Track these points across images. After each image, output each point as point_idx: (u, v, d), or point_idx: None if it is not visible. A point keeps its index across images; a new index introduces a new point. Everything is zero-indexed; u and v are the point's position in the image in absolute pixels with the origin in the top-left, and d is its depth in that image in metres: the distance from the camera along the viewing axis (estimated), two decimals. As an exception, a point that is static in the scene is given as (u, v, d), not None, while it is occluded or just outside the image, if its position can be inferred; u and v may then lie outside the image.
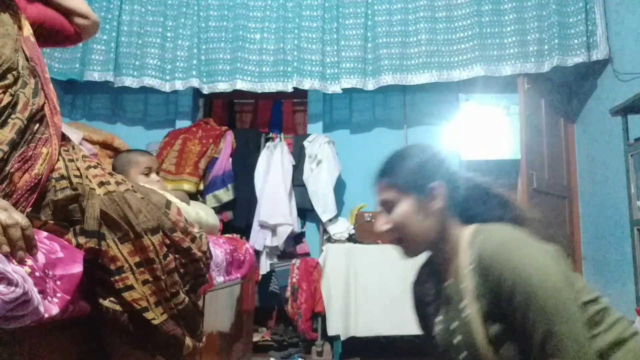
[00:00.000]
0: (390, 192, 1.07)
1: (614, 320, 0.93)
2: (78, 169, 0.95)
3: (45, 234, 0.86)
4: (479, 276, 0.92)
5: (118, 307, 0.90)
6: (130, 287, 0.90)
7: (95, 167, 0.97)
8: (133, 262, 0.91)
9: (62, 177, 0.92)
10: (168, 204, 1.07)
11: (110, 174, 0.99)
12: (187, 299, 1.00)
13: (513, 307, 0.86)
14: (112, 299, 0.90)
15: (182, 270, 1.00)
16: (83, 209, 0.90)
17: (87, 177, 0.93)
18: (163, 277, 0.93)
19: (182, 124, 3.83)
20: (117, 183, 0.96)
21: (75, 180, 0.92)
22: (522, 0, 3.35)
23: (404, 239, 1.06)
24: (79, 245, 0.89)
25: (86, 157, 1.00)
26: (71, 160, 0.98)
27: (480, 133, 5.71)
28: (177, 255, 0.99)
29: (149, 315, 0.90)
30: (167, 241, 0.97)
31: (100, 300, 0.90)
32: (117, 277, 0.89)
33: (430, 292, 1.12)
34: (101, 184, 0.93)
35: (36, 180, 0.89)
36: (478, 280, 0.93)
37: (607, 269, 3.13)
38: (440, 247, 1.05)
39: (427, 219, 1.03)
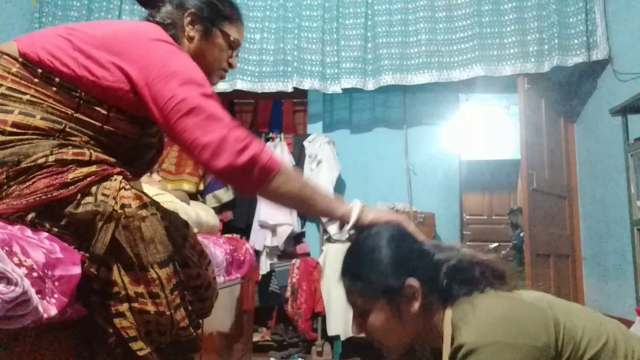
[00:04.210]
0: (357, 297, 0.95)
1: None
2: (109, 188, 0.91)
3: (45, 234, 0.85)
4: None
5: (109, 329, 0.89)
6: (121, 315, 0.89)
7: (127, 189, 0.93)
8: (133, 291, 0.89)
9: (90, 193, 0.90)
10: (186, 224, 1.08)
11: (138, 196, 0.93)
12: (194, 333, 1.00)
13: None
14: (104, 317, 0.90)
15: (189, 308, 0.99)
16: (96, 229, 0.87)
17: (114, 197, 0.90)
18: (168, 313, 0.91)
19: (182, 124, 3.83)
20: (140, 207, 0.92)
21: (100, 197, 0.89)
22: (522, 0, 3.35)
23: (384, 346, 0.97)
24: None
25: (123, 179, 0.96)
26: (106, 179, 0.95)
27: (480, 133, 5.73)
28: (185, 292, 0.98)
29: (135, 345, 0.89)
30: (181, 276, 0.97)
31: (95, 315, 0.90)
32: (111, 302, 0.89)
33: None
34: (123, 206, 0.90)
35: (62, 182, 0.87)
36: None
37: (607, 269, 3.13)
38: (424, 340, 0.96)
39: (405, 324, 0.92)
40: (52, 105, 0.93)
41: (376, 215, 1.02)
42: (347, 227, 1.01)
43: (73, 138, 0.93)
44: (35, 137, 0.89)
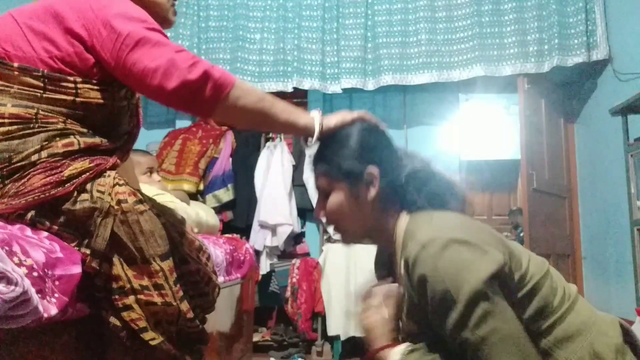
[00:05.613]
0: (322, 179, 0.99)
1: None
2: (104, 185, 0.92)
3: (45, 233, 0.86)
4: (405, 273, 0.87)
5: (118, 323, 0.90)
6: (129, 307, 0.90)
7: (121, 185, 0.94)
8: (138, 284, 0.90)
9: (85, 190, 0.91)
10: (182, 220, 1.08)
11: (133, 192, 0.95)
12: (200, 326, 1.02)
13: (430, 310, 0.82)
14: (112, 312, 0.90)
15: (192, 303, 1.00)
16: (96, 225, 0.89)
17: (109, 194, 0.91)
18: (175, 303, 0.92)
19: (182, 124, 3.83)
20: (136, 202, 0.93)
21: (96, 194, 0.90)
22: (522, 0, 3.35)
23: (339, 228, 1.02)
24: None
25: (117, 175, 0.97)
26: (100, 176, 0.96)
27: (480, 133, 5.72)
28: (186, 287, 0.99)
29: (146, 336, 0.90)
30: (180, 271, 0.97)
31: (103, 313, 0.91)
32: (116, 296, 0.89)
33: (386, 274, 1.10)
34: (119, 202, 0.91)
35: (58, 180, 0.87)
36: (405, 277, 0.87)
37: (607, 269, 3.13)
38: (378, 237, 1.01)
39: (360, 209, 0.96)
40: (19, 90, 0.92)
41: (339, 118, 0.99)
42: (315, 137, 0.98)
43: (51, 120, 0.92)
44: (15, 127, 0.88)
